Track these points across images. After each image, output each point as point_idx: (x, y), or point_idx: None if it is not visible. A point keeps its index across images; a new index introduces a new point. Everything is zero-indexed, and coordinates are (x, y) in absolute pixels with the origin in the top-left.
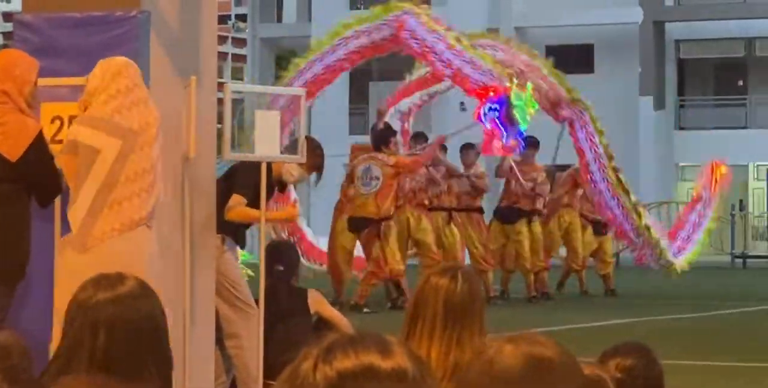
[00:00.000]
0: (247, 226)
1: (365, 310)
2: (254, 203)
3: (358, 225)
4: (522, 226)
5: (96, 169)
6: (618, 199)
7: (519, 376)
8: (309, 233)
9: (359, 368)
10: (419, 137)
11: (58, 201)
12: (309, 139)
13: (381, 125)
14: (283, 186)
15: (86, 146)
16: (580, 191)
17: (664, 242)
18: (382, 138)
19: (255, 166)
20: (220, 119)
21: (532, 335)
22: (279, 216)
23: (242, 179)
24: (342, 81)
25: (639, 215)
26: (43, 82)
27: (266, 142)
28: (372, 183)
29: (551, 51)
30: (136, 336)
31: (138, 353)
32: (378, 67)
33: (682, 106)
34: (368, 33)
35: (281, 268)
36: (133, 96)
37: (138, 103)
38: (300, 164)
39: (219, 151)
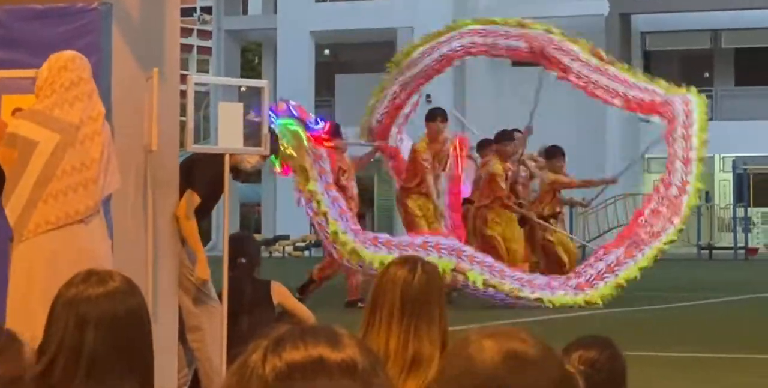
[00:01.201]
0: (208, 221)
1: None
2: (208, 198)
3: None
4: None
5: (33, 162)
6: None
7: (499, 371)
8: None
9: (308, 360)
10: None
11: None
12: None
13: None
14: (238, 174)
15: (24, 139)
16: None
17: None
18: None
19: (212, 158)
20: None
21: (510, 330)
22: (200, 260)
23: (199, 174)
24: (307, 73)
25: None
26: (3, 74)
27: (229, 134)
28: None
29: None
30: (123, 332)
31: (124, 350)
32: (343, 60)
33: None
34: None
35: (243, 260)
36: (77, 90)
37: (81, 98)
38: None
39: (182, 143)
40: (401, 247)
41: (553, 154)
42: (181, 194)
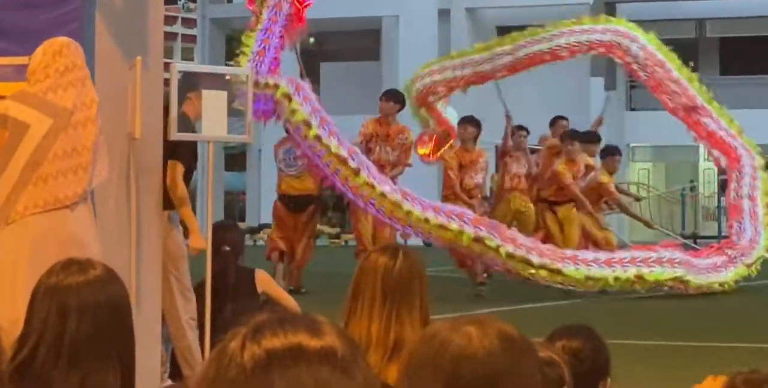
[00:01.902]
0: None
1: None
2: (190, 160)
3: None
4: None
5: (24, 144)
6: None
7: (496, 354)
8: None
9: (287, 348)
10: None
11: None
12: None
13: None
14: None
15: (16, 121)
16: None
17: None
18: None
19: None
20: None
21: (485, 317)
22: (193, 230)
23: (182, 148)
24: (291, 61)
25: None
26: None
27: (213, 121)
28: None
29: (502, 32)
30: (105, 320)
31: (105, 337)
32: (328, 48)
33: (633, 86)
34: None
35: (227, 248)
36: (72, 76)
37: (75, 84)
38: None
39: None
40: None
41: (611, 152)
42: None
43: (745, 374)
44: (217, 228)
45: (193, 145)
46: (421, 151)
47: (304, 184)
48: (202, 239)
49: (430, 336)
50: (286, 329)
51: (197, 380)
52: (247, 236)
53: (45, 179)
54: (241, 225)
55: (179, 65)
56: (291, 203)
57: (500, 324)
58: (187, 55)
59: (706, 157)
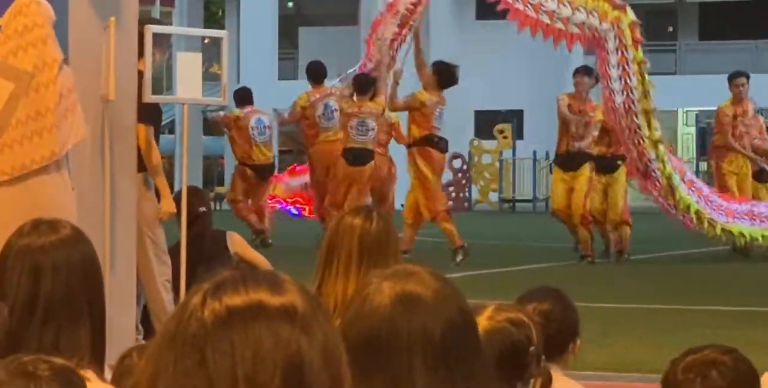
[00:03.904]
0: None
1: None
2: (156, 119)
3: None
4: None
5: None
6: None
7: (390, 313)
8: None
9: (248, 304)
10: None
11: None
12: None
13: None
14: None
15: None
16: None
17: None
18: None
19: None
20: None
21: (412, 271)
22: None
23: (148, 110)
24: (270, 26)
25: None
26: None
27: (188, 84)
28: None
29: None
30: (77, 279)
31: (78, 295)
32: (307, 13)
33: None
34: None
35: (203, 209)
36: (31, 36)
37: (36, 43)
38: None
39: None
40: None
41: None
42: None
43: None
44: (191, 192)
45: (157, 105)
46: None
47: (272, 152)
48: (173, 203)
49: (363, 284)
50: (247, 286)
51: (159, 335)
52: (225, 200)
53: (11, 146)
54: (220, 189)
55: (154, 27)
56: (264, 172)
57: (416, 282)
58: (165, 20)
59: (685, 121)
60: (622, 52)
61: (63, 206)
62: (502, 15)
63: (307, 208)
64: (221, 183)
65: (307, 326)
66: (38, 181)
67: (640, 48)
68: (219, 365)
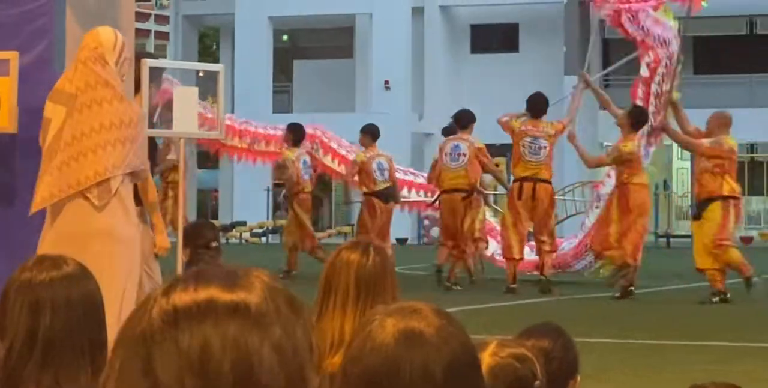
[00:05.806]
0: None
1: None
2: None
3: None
4: None
5: (49, 137)
6: None
7: (391, 350)
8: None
9: (196, 303)
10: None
11: None
12: None
13: None
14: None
15: (45, 119)
16: None
17: None
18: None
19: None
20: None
21: (413, 307)
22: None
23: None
24: (265, 59)
25: None
26: None
27: (184, 118)
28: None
29: (476, 30)
30: (77, 317)
31: (78, 333)
32: (302, 46)
33: (606, 85)
34: None
35: (216, 244)
36: (81, 57)
37: (85, 64)
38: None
39: None
40: None
41: None
42: None
43: None
44: (202, 226)
45: (153, 140)
46: None
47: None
48: (168, 239)
49: (366, 320)
50: (199, 284)
51: (116, 337)
52: (220, 234)
53: (59, 168)
54: (214, 223)
55: (150, 62)
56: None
57: (419, 319)
58: (160, 53)
59: (679, 156)
60: None
61: (115, 233)
62: (496, 48)
63: None
64: (215, 217)
65: (261, 323)
66: (81, 204)
67: None
68: (165, 365)
